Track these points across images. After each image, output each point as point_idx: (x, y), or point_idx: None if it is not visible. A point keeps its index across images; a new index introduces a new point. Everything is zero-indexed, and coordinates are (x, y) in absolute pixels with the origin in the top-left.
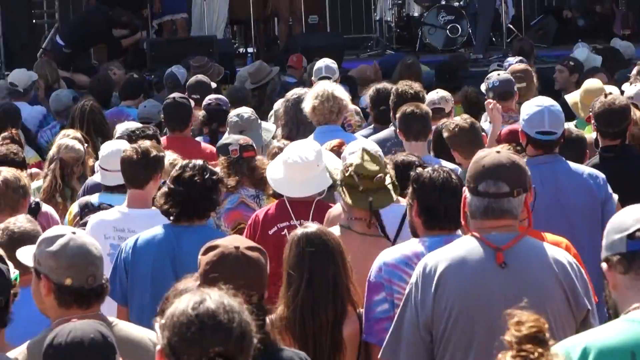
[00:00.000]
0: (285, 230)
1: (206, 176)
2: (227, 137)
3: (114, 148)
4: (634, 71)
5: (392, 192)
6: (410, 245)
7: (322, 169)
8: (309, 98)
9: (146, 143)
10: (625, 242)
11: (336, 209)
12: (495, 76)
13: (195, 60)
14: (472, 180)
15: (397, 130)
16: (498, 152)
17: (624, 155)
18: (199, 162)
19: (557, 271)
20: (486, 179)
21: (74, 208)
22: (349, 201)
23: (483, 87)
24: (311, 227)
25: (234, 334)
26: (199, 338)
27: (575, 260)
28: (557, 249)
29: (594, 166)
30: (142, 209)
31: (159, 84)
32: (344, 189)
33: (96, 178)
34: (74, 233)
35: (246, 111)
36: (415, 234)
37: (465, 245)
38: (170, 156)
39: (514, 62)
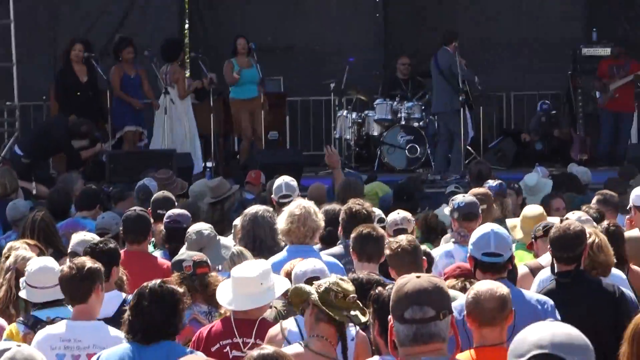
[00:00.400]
0: (228, 347)
1: (163, 302)
2: (182, 253)
3: (42, 265)
4: (594, 201)
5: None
6: None
7: (267, 288)
8: (284, 218)
9: (81, 258)
10: None
11: (275, 329)
12: (460, 197)
13: (159, 173)
14: (397, 307)
15: (351, 250)
16: (418, 276)
17: (579, 280)
18: (155, 285)
19: None
20: (411, 304)
21: (19, 327)
22: (330, 313)
23: (447, 209)
24: (267, 348)
25: None
26: None
27: None
28: None
29: (550, 291)
30: (86, 321)
31: (116, 196)
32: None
33: (22, 294)
34: (19, 346)
35: (205, 228)
36: (378, 352)
37: None
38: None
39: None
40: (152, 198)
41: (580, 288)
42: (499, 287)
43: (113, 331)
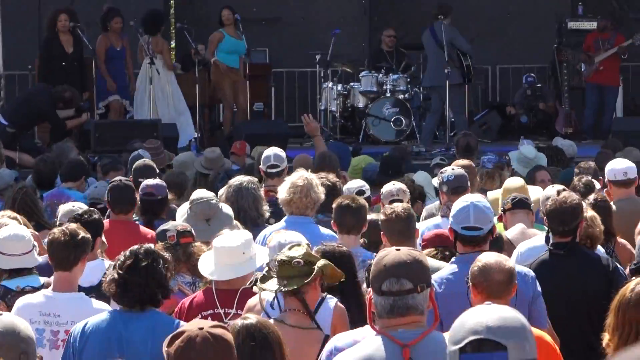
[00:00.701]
0: (209, 318)
1: (156, 263)
2: (167, 224)
3: (13, 232)
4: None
5: (311, 276)
6: (361, 332)
7: (248, 258)
8: (285, 188)
9: (72, 225)
10: (457, 356)
11: (253, 300)
12: (449, 170)
13: (147, 143)
14: (375, 280)
15: (332, 222)
16: (398, 249)
17: (574, 252)
18: (150, 247)
19: None
20: (389, 277)
21: None
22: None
23: (435, 181)
24: (251, 318)
25: None
26: None
27: None
28: None
29: (542, 262)
30: (68, 292)
31: (108, 166)
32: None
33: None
34: (0, 314)
35: (211, 197)
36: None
37: (372, 344)
38: None
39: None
40: (133, 166)
41: (575, 260)
42: (507, 260)
43: (96, 303)
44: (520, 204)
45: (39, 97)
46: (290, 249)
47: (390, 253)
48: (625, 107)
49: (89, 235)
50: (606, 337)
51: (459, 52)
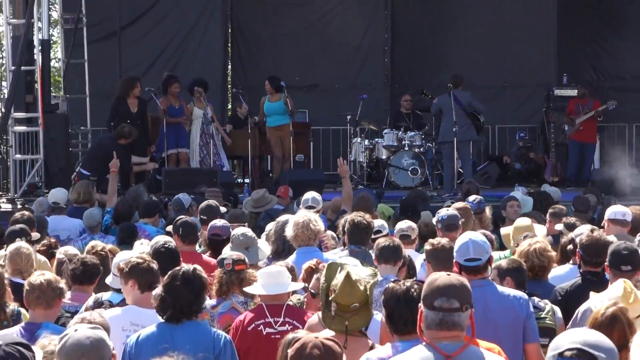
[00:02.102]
0: (262, 326)
1: (191, 283)
2: (225, 253)
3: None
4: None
5: (369, 312)
6: (385, 350)
7: (289, 281)
8: (290, 226)
9: (147, 257)
10: (556, 358)
11: (314, 319)
12: (444, 211)
13: (210, 190)
14: (428, 297)
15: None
16: (448, 274)
17: (603, 280)
18: (188, 269)
19: None
20: (441, 296)
21: (89, 301)
22: (323, 324)
23: (434, 220)
24: (315, 334)
25: None
26: None
27: None
28: (496, 357)
29: (578, 286)
30: (149, 308)
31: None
32: (324, 310)
33: (107, 281)
34: (75, 330)
35: (249, 231)
36: (391, 338)
37: (420, 353)
38: None
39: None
40: (201, 205)
41: (603, 285)
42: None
43: None
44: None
45: (106, 142)
46: (344, 289)
47: (442, 276)
48: (602, 160)
49: (157, 266)
50: None
51: (476, 112)
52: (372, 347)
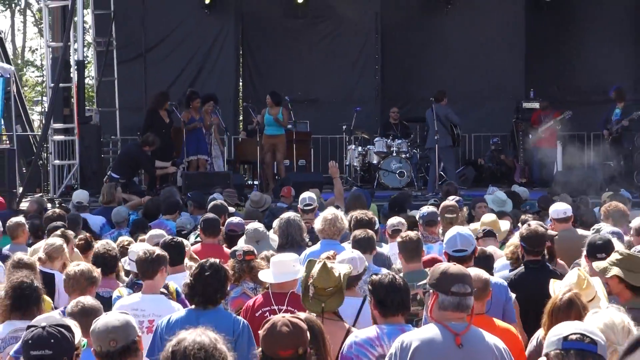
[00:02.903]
0: (267, 312)
1: (217, 274)
2: (237, 246)
3: (140, 247)
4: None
5: (342, 296)
6: (372, 330)
7: (297, 270)
8: (320, 221)
9: (154, 247)
10: (561, 342)
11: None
12: (425, 209)
13: (227, 191)
14: (444, 284)
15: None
16: (454, 264)
17: (543, 268)
18: (215, 262)
19: (495, 353)
20: (457, 282)
21: (122, 290)
22: (304, 305)
23: (417, 216)
24: (300, 315)
25: None
26: None
27: (506, 346)
28: (494, 337)
29: (521, 274)
30: (152, 294)
31: (191, 204)
32: (304, 294)
33: (126, 266)
34: (106, 314)
35: (260, 226)
36: (375, 322)
37: (433, 330)
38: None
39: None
40: (210, 204)
41: (544, 273)
42: (483, 273)
43: (169, 302)
44: (489, 234)
45: (133, 149)
46: (321, 275)
47: (452, 266)
48: (564, 163)
49: (164, 253)
50: (542, 333)
51: (452, 124)
52: (348, 330)
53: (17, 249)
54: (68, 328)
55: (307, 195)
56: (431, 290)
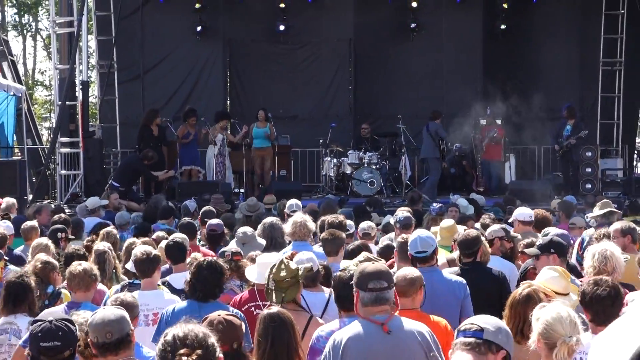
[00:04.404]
0: (253, 308)
1: (215, 271)
2: (226, 247)
3: (143, 249)
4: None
5: (299, 286)
6: (335, 324)
7: None
8: (290, 224)
9: (149, 248)
10: (458, 333)
11: None
12: (400, 213)
13: (214, 196)
14: (362, 282)
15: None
16: (373, 262)
17: (476, 268)
18: (211, 260)
19: (417, 337)
20: (373, 279)
21: (114, 287)
22: (267, 298)
23: (392, 220)
24: (273, 308)
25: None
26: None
27: (431, 330)
28: (417, 323)
29: (458, 274)
30: (152, 290)
31: (184, 211)
32: (267, 289)
33: (127, 266)
34: (103, 308)
35: (249, 230)
36: (339, 314)
37: (359, 325)
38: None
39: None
40: (202, 210)
41: (477, 273)
42: (412, 272)
43: (168, 295)
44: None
45: (133, 161)
46: (279, 269)
47: (369, 264)
48: (517, 174)
49: (158, 253)
50: None
51: (440, 139)
52: (310, 318)
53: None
54: (72, 322)
55: (294, 202)
56: (354, 289)
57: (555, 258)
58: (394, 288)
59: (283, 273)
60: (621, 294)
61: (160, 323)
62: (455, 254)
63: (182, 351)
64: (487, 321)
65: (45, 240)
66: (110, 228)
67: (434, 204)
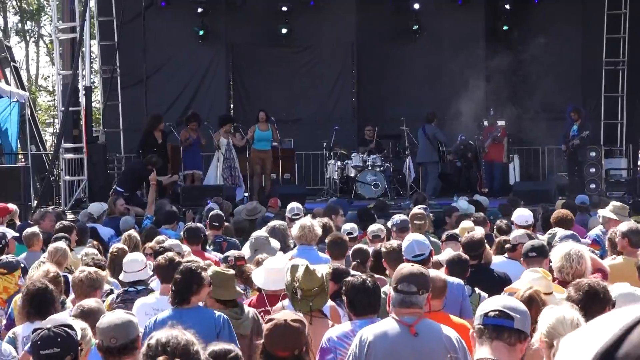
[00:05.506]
0: (262, 313)
1: (187, 277)
2: (228, 252)
3: (133, 258)
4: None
5: (326, 294)
6: (347, 325)
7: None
8: (296, 228)
9: (170, 254)
10: (482, 318)
11: (278, 305)
12: (397, 217)
13: (215, 199)
14: (394, 282)
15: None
16: (413, 265)
17: (480, 269)
18: (187, 266)
19: (444, 341)
20: (402, 282)
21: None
22: (293, 306)
23: (390, 224)
24: (288, 313)
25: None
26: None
27: (459, 336)
28: (447, 328)
29: None
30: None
31: (188, 215)
32: (292, 297)
33: (120, 277)
34: (113, 312)
35: (262, 235)
36: (350, 318)
37: (387, 324)
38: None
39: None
40: (210, 214)
41: (481, 273)
42: (442, 274)
43: None
44: (451, 238)
45: (137, 167)
46: (305, 277)
47: (407, 266)
48: (521, 175)
49: (179, 260)
50: None
51: (439, 142)
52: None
53: (32, 257)
54: (71, 327)
55: (295, 205)
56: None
57: (539, 260)
58: (427, 294)
59: (311, 282)
60: (609, 293)
61: (145, 334)
62: (443, 255)
63: (160, 358)
64: (515, 307)
65: (62, 244)
66: (132, 231)
67: (395, 217)
